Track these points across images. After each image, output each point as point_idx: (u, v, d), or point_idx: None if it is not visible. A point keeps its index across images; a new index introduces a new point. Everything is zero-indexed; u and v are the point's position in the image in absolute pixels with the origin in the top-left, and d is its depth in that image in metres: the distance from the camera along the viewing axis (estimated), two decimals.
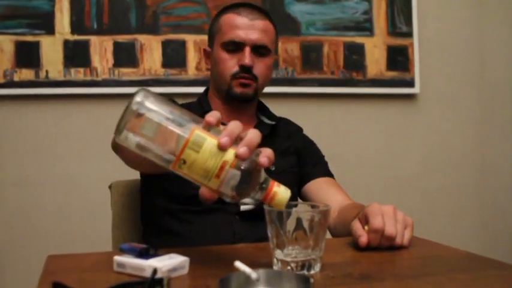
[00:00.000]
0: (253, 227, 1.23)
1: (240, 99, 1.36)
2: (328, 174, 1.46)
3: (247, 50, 1.32)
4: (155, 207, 1.35)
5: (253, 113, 1.46)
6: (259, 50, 1.35)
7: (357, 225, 0.98)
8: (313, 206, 0.87)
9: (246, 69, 1.33)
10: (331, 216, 1.29)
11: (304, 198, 1.43)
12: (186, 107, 1.36)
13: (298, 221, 0.79)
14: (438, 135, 2.47)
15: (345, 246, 0.98)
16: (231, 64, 1.34)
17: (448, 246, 1.00)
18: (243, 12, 1.35)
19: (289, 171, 1.40)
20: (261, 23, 1.35)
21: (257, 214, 1.14)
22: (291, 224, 0.78)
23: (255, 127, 1.35)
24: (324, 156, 1.51)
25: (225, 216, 1.28)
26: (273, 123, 1.44)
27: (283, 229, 0.78)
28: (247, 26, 1.33)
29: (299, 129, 1.54)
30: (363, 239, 0.94)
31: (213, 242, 1.08)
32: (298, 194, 1.45)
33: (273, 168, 1.35)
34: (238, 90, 1.34)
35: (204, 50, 1.47)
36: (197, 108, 1.38)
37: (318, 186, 1.41)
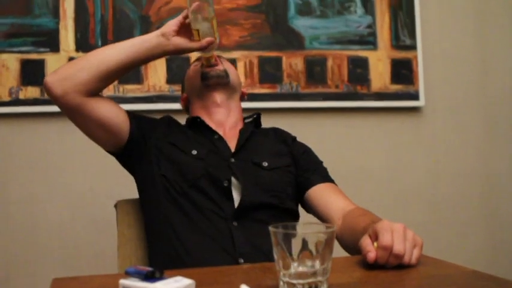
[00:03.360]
0: (253, 236, 1.24)
1: (215, 79, 1.47)
2: (329, 179, 1.46)
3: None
4: (157, 216, 1.35)
5: (239, 117, 1.54)
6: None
7: (366, 241, 0.97)
8: (318, 226, 0.86)
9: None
10: (336, 223, 1.29)
11: (307, 206, 1.43)
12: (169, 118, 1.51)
13: (304, 242, 0.78)
14: (443, 147, 2.46)
15: (352, 266, 0.97)
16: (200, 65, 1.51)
17: (456, 264, 0.99)
18: None
19: (283, 169, 1.42)
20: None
21: (250, 214, 1.29)
22: (296, 245, 0.78)
23: (241, 130, 1.46)
24: (322, 162, 1.52)
25: (222, 222, 1.28)
26: (254, 116, 1.56)
27: (288, 251, 0.78)
28: None
29: (293, 138, 1.56)
30: (372, 255, 0.94)
31: (214, 252, 1.08)
32: (300, 202, 1.45)
33: (266, 164, 1.39)
34: (211, 71, 1.46)
35: (182, 99, 1.61)
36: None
37: (319, 193, 1.41)
